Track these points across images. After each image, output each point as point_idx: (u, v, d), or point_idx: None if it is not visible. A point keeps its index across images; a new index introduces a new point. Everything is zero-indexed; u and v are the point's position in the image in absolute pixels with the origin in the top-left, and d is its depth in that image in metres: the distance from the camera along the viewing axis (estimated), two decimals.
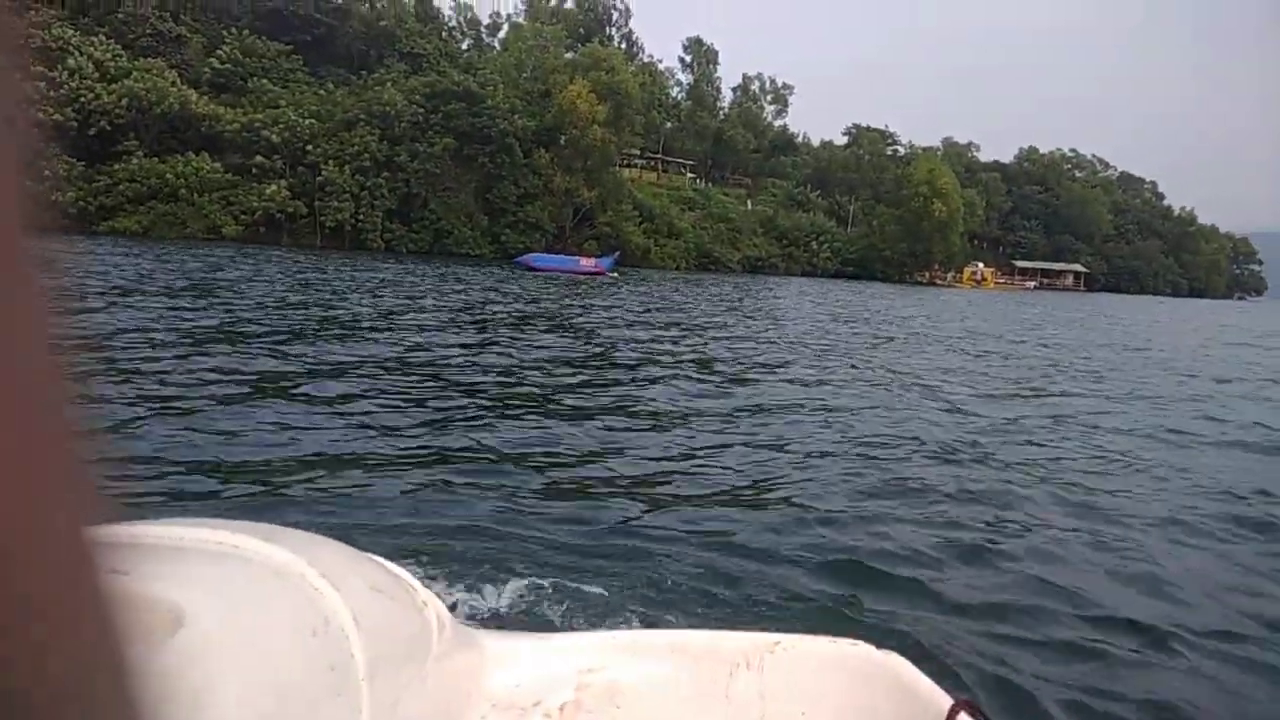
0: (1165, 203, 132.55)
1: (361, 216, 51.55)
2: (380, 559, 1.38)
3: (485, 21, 77.69)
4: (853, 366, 14.29)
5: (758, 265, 73.28)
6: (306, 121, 51.32)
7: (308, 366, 10.21)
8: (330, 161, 50.73)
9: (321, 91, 55.46)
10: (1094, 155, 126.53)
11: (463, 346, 13.27)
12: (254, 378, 9.15)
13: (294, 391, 8.60)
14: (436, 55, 62.25)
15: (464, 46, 71.88)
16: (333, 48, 60.35)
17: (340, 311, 17.15)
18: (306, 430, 7.04)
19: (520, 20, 76.26)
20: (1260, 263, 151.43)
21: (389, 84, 54.62)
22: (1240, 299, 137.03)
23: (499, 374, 10.84)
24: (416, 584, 1.44)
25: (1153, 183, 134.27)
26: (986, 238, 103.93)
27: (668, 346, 15.38)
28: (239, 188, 48.46)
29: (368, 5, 62.60)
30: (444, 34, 68.55)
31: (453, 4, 74.14)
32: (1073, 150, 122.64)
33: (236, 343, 11.53)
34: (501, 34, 76.08)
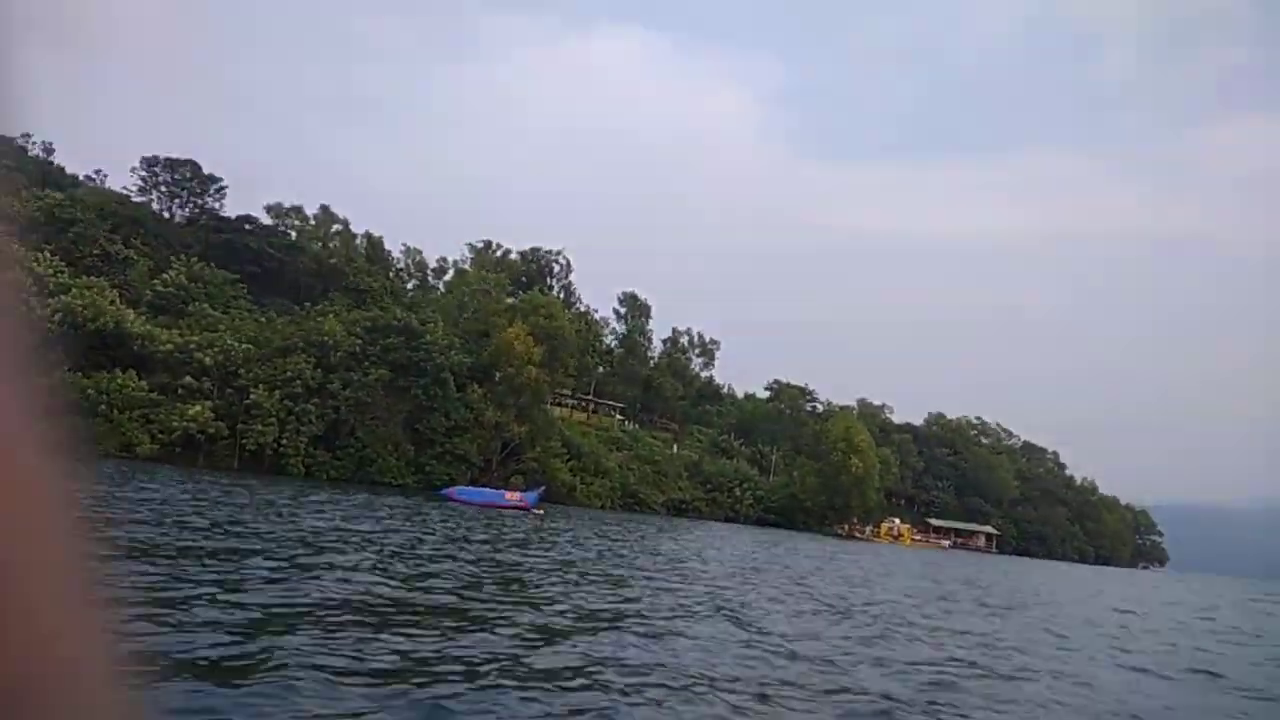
0: (1067, 472, 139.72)
1: (285, 441, 51.08)
2: None
3: (432, 265, 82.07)
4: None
5: (682, 508, 73.86)
6: (243, 346, 51.69)
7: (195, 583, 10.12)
8: (260, 385, 50.74)
9: (262, 319, 56.67)
10: (998, 423, 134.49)
11: (371, 573, 13.24)
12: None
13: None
14: (382, 292, 64.98)
15: (409, 286, 75.33)
16: (280, 280, 62.55)
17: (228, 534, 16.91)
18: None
19: (466, 267, 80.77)
20: (1160, 534, 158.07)
21: (331, 315, 56.34)
22: (1144, 568, 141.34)
23: (392, 606, 10.85)
24: None
25: (1054, 453, 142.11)
26: (902, 495, 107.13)
27: (583, 591, 15.47)
28: (161, 406, 47.67)
29: (320, 244, 65.87)
30: (391, 274, 71.95)
31: (403, 248, 78.36)
32: (978, 418, 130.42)
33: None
34: (447, 277, 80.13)
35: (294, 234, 65.76)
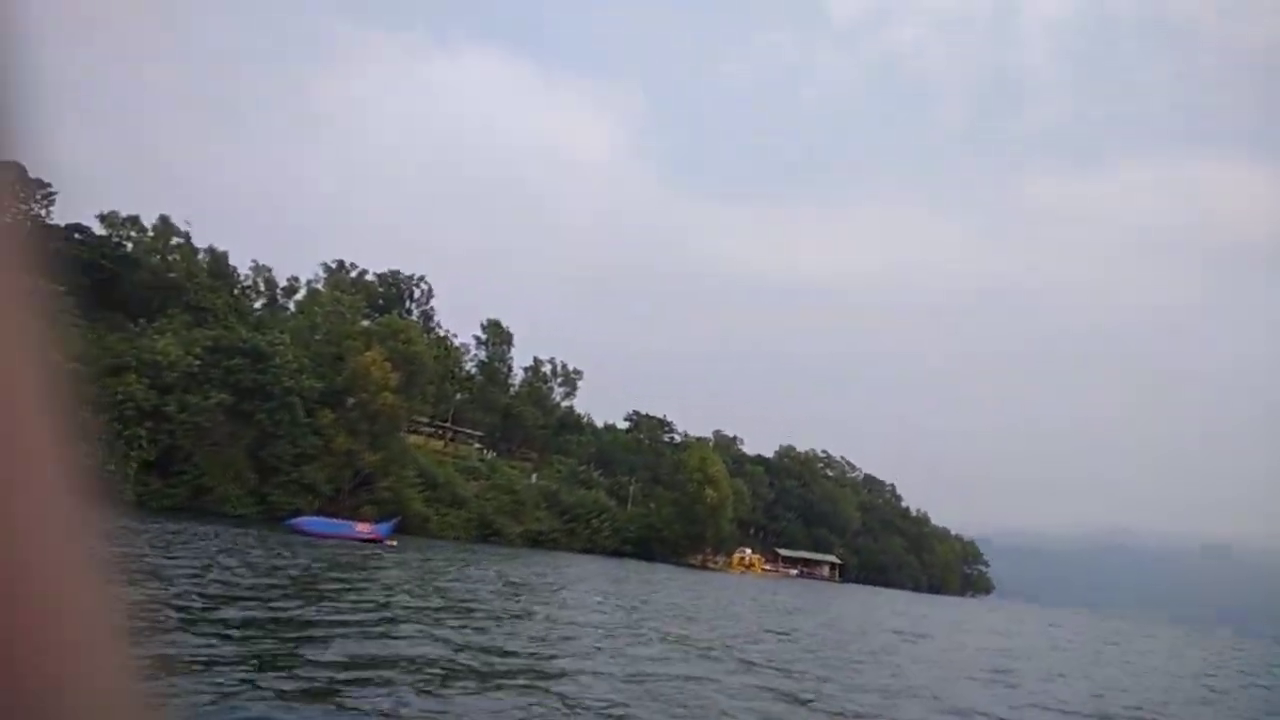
0: (903, 504, 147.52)
1: (112, 467, 47.14)
2: None
3: (282, 284, 78.19)
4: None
5: (539, 539, 72.90)
6: (68, 365, 47.53)
7: None
8: (86, 407, 46.69)
9: (91, 335, 52.37)
10: (842, 457, 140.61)
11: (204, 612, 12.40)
12: None
13: None
14: (225, 310, 61.29)
15: (256, 305, 71.46)
16: (113, 294, 57.98)
17: None
18: None
19: (319, 287, 77.46)
20: (986, 564, 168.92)
21: (169, 334, 52.66)
22: (972, 596, 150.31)
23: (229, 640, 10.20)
24: None
25: (892, 485, 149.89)
26: (753, 524, 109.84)
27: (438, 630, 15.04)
28: None
29: (158, 257, 61.59)
30: (236, 291, 68.06)
31: (251, 265, 74.36)
32: (824, 451, 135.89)
33: None
34: (298, 297, 76.56)
35: (129, 245, 61.19)
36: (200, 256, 65.24)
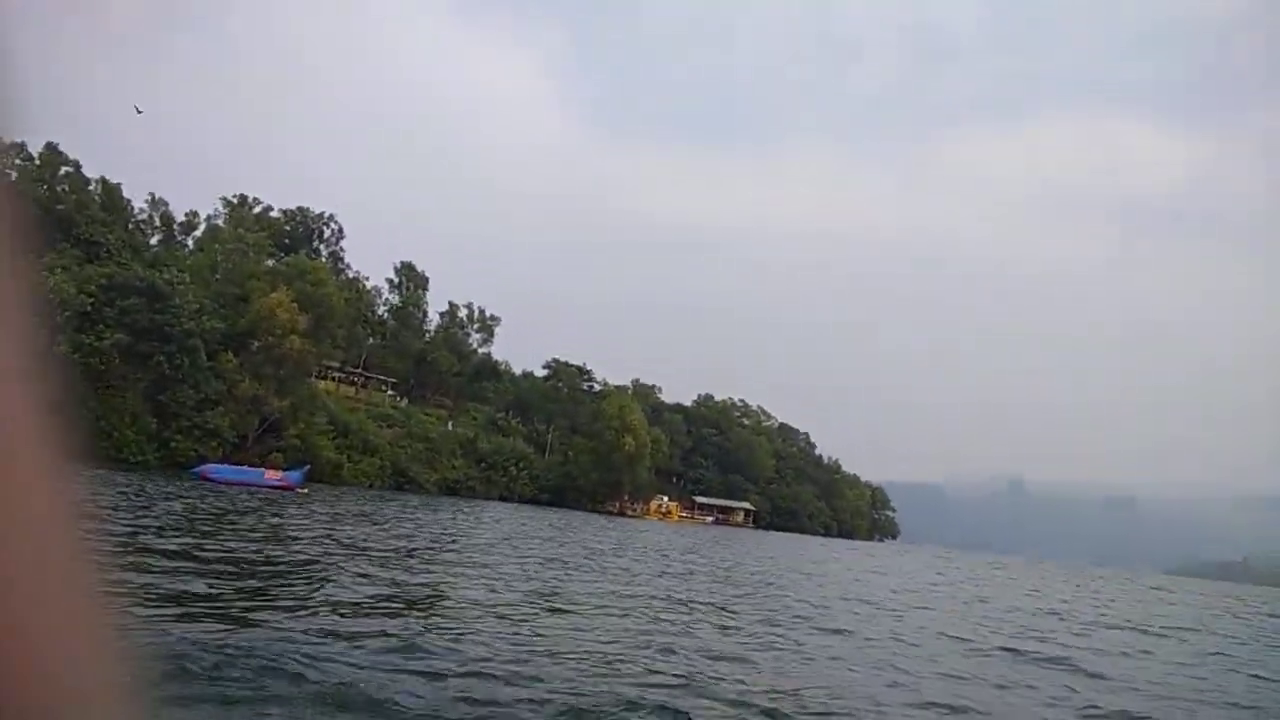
0: (817, 452, 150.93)
1: None
2: None
3: (180, 219, 74.15)
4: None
5: (455, 487, 72.04)
6: None
7: None
8: None
9: None
10: (759, 405, 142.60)
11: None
12: None
13: None
14: (119, 246, 57.86)
15: (153, 242, 67.65)
16: None
17: None
18: None
19: (220, 223, 73.69)
20: (894, 510, 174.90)
21: (59, 270, 49.38)
22: (879, 540, 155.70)
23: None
24: None
25: (806, 433, 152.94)
26: (671, 472, 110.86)
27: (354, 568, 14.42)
28: None
29: (45, 187, 57.50)
30: (130, 225, 64.23)
31: (147, 198, 70.18)
32: (741, 400, 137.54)
33: None
34: (197, 233, 72.77)
35: (13, 175, 56.94)
36: (91, 188, 61.18)
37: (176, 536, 15.81)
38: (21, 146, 59.13)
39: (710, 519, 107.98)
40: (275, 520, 22.68)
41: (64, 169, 59.91)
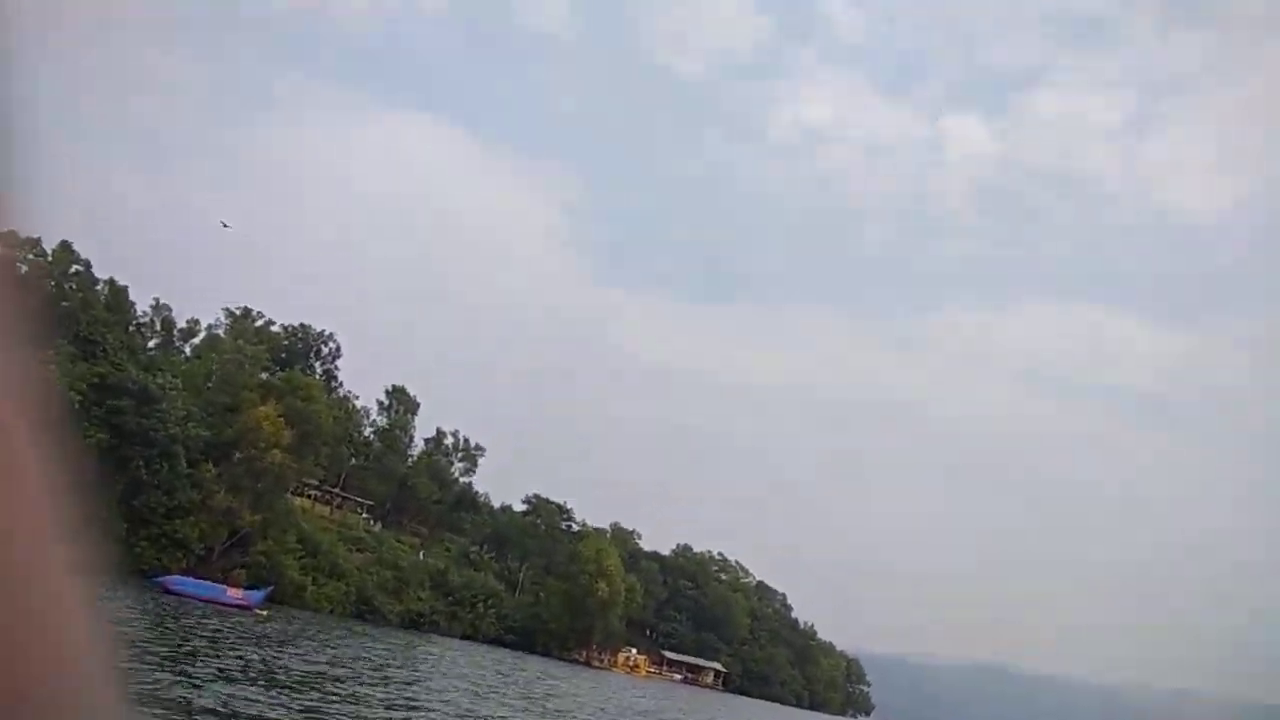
0: (793, 615, 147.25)
1: None
2: None
3: (181, 326, 75.16)
4: None
5: (418, 620, 69.89)
6: None
7: None
8: None
9: None
10: (737, 561, 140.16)
11: None
12: None
13: None
14: (116, 347, 58.41)
15: (150, 345, 68.36)
16: None
17: None
18: None
19: (220, 333, 74.69)
20: (868, 684, 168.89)
21: (52, 365, 49.64)
22: (852, 716, 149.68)
23: None
24: None
25: (783, 594, 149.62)
26: (643, 623, 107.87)
27: None
28: None
29: (53, 285, 58.66)
30: (131, 327, 65.09)
31: (151, 302, 71.42)
32: (720, 554, 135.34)
33: None
34: (196, 340, 73.61)
35: (24, 268, 58.29)
36: (99, 288, 62.44)
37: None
38: (36, 242, 60.88)
39: (679, 677, 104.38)
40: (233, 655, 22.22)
41: (75, 267, 61.29)
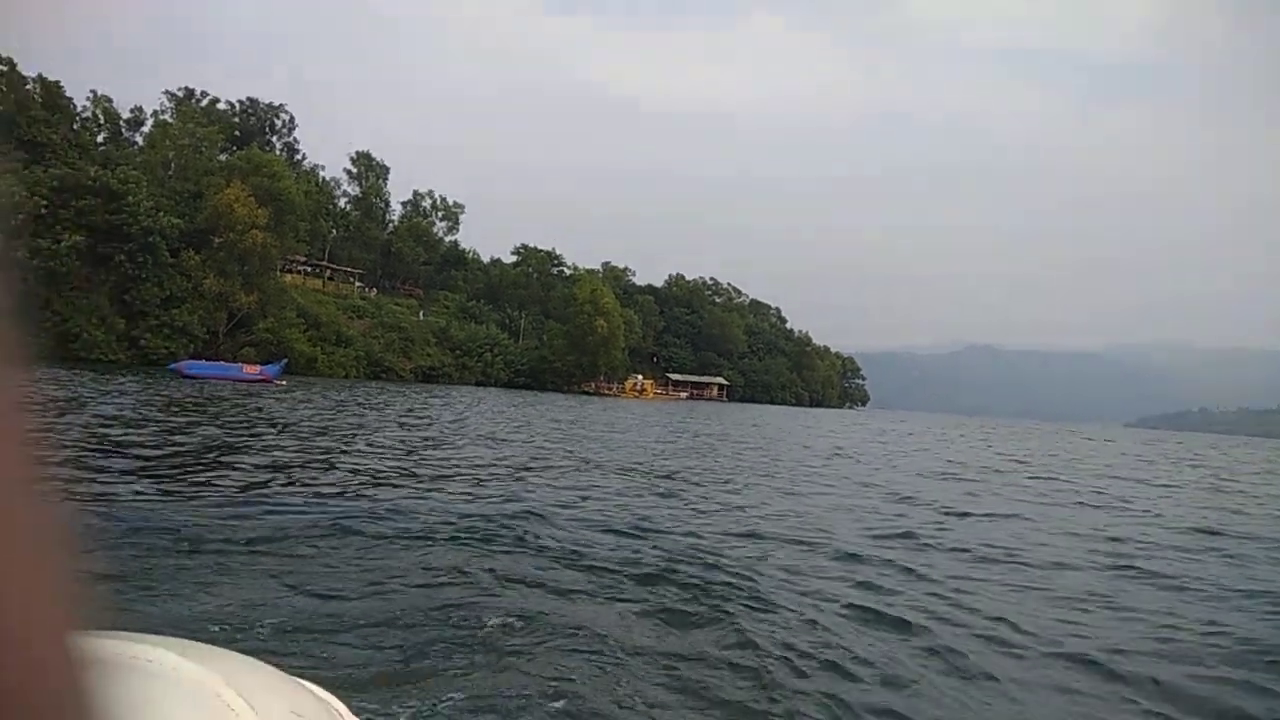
0: (788, 326, 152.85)
1: None
2: (308, 684, 1.26)
3: (125, 116, 71.56)
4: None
5: (431, 374, 72.90)
6: None
7: None
8: None
9: None
10: (729, 283, 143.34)
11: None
12: None
13: None
14: (65, 146, 56.08)
15: (99, 139, 65.52)
16: None
17: None
18: None
19: (167, 119, 71.23)
20: (864, 378, 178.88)
21: (6, 174, 47.92)
22: (850, 407, 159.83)
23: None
24: (344, 710, 1.29)
25: (778, 308, 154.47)
26: (644, 353, 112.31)
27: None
28: None
29: None
30: (75, 124, 62.08)
31: (89, 95, 67.53)
32: (712, 279, 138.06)
33: None
34: (145, 128, 70.40)
35: None
36: (29, 87, 58.79)
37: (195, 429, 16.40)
38: None
39: (685, 395, 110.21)
40: (290, 412, 23.32)
41: None
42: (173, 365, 43.03)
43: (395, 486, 9.74)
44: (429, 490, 9.71)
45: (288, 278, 67.81)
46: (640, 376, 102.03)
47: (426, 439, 17.07)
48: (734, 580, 6.24)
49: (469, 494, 9.69)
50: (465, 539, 7.02)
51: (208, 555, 5.92)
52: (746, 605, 5.62)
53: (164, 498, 7.91)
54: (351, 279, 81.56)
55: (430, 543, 6.83)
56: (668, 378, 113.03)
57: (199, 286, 54.83)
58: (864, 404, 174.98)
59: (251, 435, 14.85)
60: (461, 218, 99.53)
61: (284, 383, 41.73)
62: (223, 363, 46.42)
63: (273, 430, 16.14)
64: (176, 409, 19.50)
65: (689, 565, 6.58)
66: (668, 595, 5.75)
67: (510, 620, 4.92)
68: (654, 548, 7.23)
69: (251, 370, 43.83)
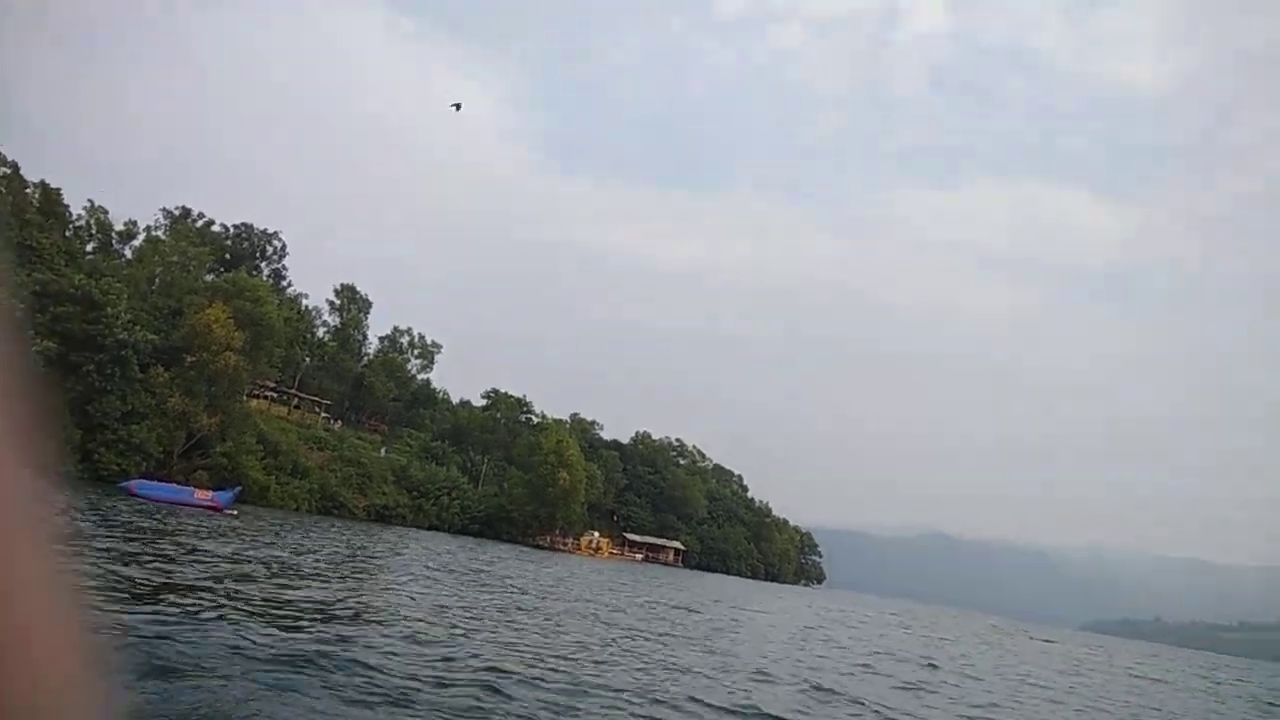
0: (749, 495, 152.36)
1: None
2: None
3: (118, 228, 72.68)
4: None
5: (385, 514, 71.28)
6: None
7: None
8: None
9: None
10: (694, 446, 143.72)
11: None
12: None
13: None
14: (55, 252, 56.65)
15: (89, 249, 66.26)
16: None
17: None
18: None
19: (160, 235, 72.48)
20: (820, 555, 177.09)
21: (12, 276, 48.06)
22: (805, 584, 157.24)
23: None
24: None
25: (740, 475, 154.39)
26: (603, 509, 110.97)
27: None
28: None
29: None
30: (68, 232, 62.98)
31: (86, 205, 68.80)
32: (678, 439, 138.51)
33: None
34: (136, 242, 71.37)
35: None
36: (29, 191, 59.97)
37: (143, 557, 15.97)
38: None
39: (640, 556, 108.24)
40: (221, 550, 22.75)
41: (2, 170, 58.68)
42: (123, 484, 41.99)
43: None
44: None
45: (254, 403, 67.24)
46: (596, 534, 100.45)
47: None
48: None
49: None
50: None
51: None
52: None
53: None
54: (318, 409, 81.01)
55: None
56: (625, 537, 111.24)
57: (163, 404, 54.19)
58: (820, 581, 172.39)
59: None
60: (437, 357, 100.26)
61: (234, 512, 40.76)
62: (174, 485, 45.36)
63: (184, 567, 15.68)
64: (112, 529, 18.93)
65: None
66: None
67: None
68: None
69: (203, 496, 42.87)
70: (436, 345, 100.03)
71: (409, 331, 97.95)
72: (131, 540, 19.11)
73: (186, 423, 55.86)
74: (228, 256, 77.95)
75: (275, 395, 75.37)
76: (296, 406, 78.12)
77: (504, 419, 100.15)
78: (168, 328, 57.07)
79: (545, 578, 32.84)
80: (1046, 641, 57.79)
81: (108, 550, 16.11)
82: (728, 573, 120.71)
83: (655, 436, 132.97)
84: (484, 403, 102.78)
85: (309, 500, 63.83)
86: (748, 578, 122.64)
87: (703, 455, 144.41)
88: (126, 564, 14.52)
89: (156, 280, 62.71)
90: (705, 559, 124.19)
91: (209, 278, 65.98)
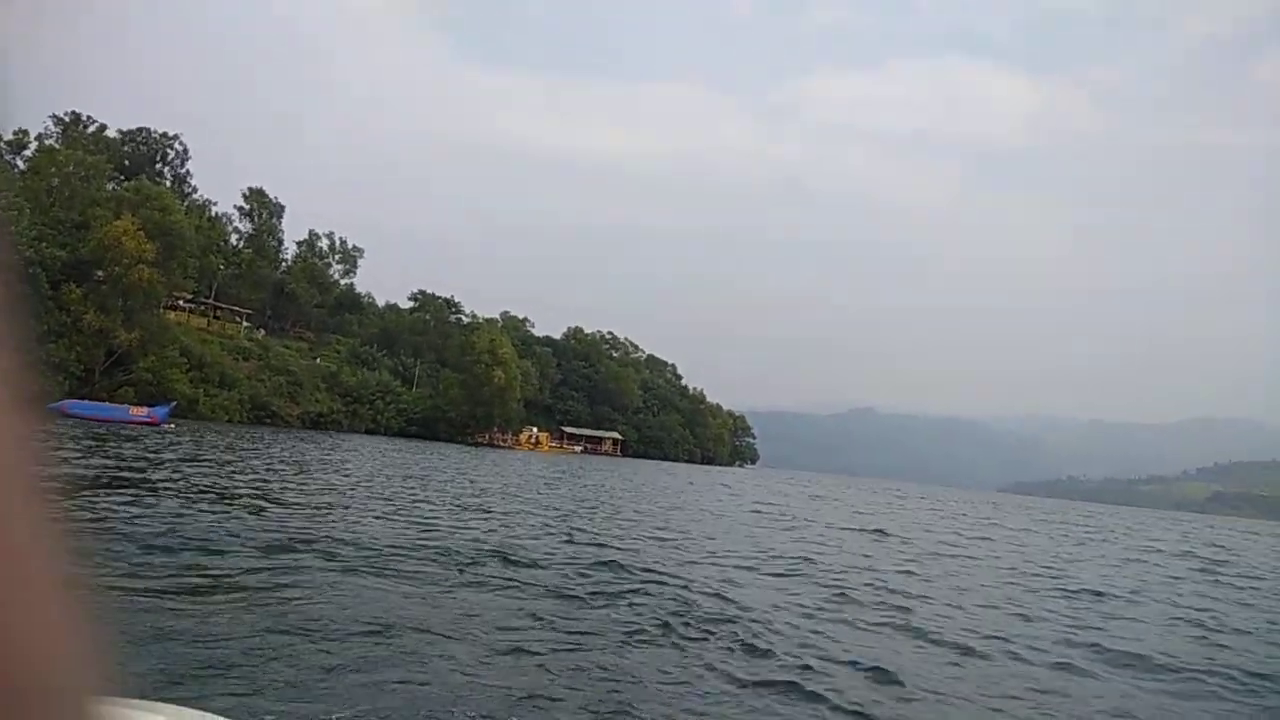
0: (683, 382, 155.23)
1: None
2: None
3: (7, 137, 68.10)
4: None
5: (319, 421, 70.95)
6: None
7: None
8: None
9: None
10: (627, 338, 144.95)
11: None
12: None
13: None
14: None
15: None
16: None
17: None
18: None
19: (53, 144, 68.22)
20: (754, 436, 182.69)
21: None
22: (739, 465, 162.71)
23: None
24: None
25: (673, 365, 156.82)
26: (540, 405, 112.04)
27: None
28: None
29: None
30: None
31: None
32: (610, 333, 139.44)
33: None
34: (28, 152, 67.15)
35: None
36: None
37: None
38: None
39: (579, 448, 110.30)
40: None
41: None
42: (53, 405, 40.83)
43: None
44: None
45: (171, 315, 65.29)
46: (535, 429, 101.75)
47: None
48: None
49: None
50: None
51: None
52: None
53: None
54: (239, 319, 79.02)
55: None
56: (563, 431, 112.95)
57: (78, 321, 52.35)
58: (753, 462, 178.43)
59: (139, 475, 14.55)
60: (360, 261, 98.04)
61: (172, 426, 40.22)
62: (109, 404, 44.34)
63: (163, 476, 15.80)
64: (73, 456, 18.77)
65: None
66: None
67: None
68: None
69: (139, 412, 42.07)
70: (358, 249, 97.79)
71: (329, 235, 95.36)
72: (113, 466, 18.96)
73: (105, 339, 54.20)
74: (126, 163, 74.00)
75: (192, 307, 73.21)
76: (216, 317, 76.07)
77: (434, 320, 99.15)
78: (74, 242, 54.57)
79: (510, 474, 33.64)
80: (926, 500, 60.82)
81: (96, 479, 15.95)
82: (665, 459, 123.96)
83: (588, 331, 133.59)
84: (411, 304, 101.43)
85: (240, 411, 63.08)
86: (685, 462, 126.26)
87: (636, 347, 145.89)
88: (156, 494, 14.54)
89: (54, 193, 59.40)
90: (643, 447, 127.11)
91: (110, 187, 62.72)
